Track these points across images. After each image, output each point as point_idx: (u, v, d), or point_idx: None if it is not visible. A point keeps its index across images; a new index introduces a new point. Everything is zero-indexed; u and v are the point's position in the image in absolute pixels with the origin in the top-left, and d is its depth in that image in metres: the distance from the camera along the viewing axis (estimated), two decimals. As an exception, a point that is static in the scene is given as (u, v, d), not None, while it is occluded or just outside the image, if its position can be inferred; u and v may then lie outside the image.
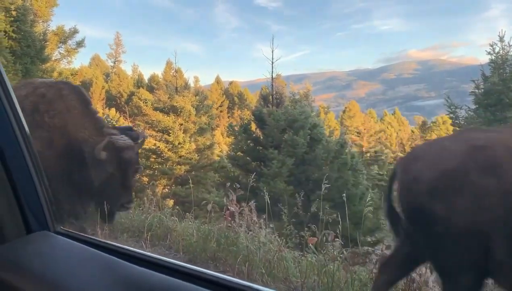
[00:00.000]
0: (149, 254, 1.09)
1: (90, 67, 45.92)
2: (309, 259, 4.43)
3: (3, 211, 1.19)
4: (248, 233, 5.20)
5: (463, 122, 12.65)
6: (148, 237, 4.76)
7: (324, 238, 4.19)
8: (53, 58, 18.29)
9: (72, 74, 21.20)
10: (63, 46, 19.77)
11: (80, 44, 20.13)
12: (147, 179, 18.82)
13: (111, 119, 24.15)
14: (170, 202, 14.37)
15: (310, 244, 4.40)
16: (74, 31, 19.87)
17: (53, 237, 1.25)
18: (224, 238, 5.03)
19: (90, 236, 1.29)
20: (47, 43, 16.46)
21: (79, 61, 58.23)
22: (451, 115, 13.13)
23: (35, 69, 14.15)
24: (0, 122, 1.18)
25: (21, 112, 1.25)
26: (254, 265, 4.13)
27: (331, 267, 3.95)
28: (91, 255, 1.07)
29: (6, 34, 13.23)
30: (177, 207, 11.41)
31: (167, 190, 17.54)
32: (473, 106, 12.64)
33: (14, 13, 13.64)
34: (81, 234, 1.30)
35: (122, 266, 0.99)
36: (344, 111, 45.54)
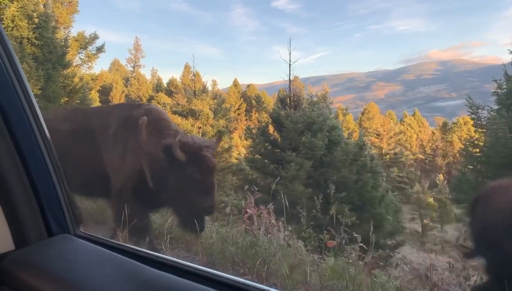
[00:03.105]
0: (168, 257, 1.10)
1: (110, 72, 46.61)
2: (328, 262, 4.40)
3: (26, 215, 1.22)
4: (266, 236, 5.19)
5: (485, 123, 12.38)
6: (168, 240, 4.78)
7: (344, 241, 4.15)
8: (74, 63, 18.60)
9: (92, 79, 21.54)
10: (83, 51, 20.09)
11: (100, 49, 20.43)
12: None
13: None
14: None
15: (329, 247, 4.36)
16: (94, 37, 20.17)
17: (74, 240, 1.27)
18: (243, 240, 5.03)
19: (109, 239, 1.31)
20: (68, 49, 16.76)
21: (99, 66, 59.22)
22: (473, 116, 12.87)
23: (56, 75, 14.44)
24: (23, 129, 1.21)
25: (42, 117, 1.28)
26: (273, 268, 4.11)
27: (351, 270, 3.91)
28: (111, 258, 1.09)
29: (29, 41, 13.55)
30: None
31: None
32: (496, 107, 12.36)
33: (36, 20, 13.96)
34: (101, 237, 1.33)
35: (141, 269, 1.00)
36: (363, 113, 45.13)
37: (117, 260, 1.07)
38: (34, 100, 1.27)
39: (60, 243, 1.25)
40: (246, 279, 1.01)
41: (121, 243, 1.27)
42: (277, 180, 8.58)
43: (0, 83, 1.17)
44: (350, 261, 4.16)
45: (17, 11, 13.36)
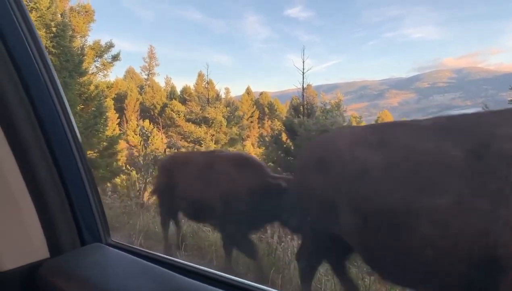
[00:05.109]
0: (200, 266, 1.11)
1: (125, 80, 47.06)
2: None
3: (61, 223, 1.25)
4: (280, 244, 5.18)
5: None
6: (183, 247, 4.81)
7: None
8: (90, 71, 18.91)
9: (107, 87, 21.85)
10: (99, 60, 20.45)
11: (115, 57, 20.76)
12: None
13: (146, 130, 24.64)
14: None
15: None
16: (110, 45, 20.54)
17: (106, 248, 1.30)
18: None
19: (139, 248, 1.34)
20: (85, 57, 17.06)
21: (114, 74, 59.99)
22: (489, 124, 12.68)
23: (73, 83, 14.68)
24: (59, 138, 1.25)
25: (75, 124, 1.32)
26: (287, 277, 4.10)
27: (366, 280, 3.88)
28: (143, 266, 1.11)
29: (46, 50, 13.79)
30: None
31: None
32: (513, 115, 12.16)
33: (54, 29, 14.25)
34: (131, 246, 1.35)
35: (174, 278, 1.01)
36: (376, 121, 44.91)
37: (150, 268, 1.09)
38: (69, 109, 1.31)
39: (94, 251, 1.28)
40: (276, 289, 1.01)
41: (151, 252, 1.29)
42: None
43: (38, 90, 1.20)
44: (365, 269, 4.13)
45: (35, 20, 13.65)
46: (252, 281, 1.04)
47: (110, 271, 1.12)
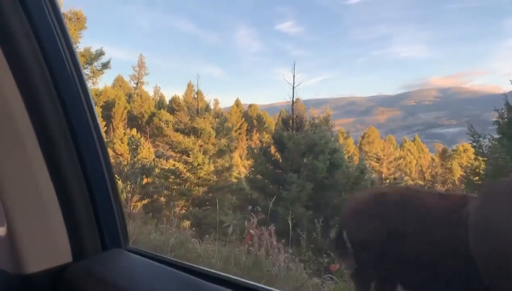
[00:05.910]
0: (222, 273, 1.12)
1: (114, 88, 46.81)
2: (330, 286, 4.39)
3: (85, 228, 1.25)
4: (267, 258, 5.18)
5: (486, 151, 12.42)
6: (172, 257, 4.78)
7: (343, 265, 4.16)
8: (79, 78, 18.83)
9: (96, 95, 21.72)
10: (89, 67, 20.37)
11: (105, 65, 20.73)
12: (165, 199, 18.94)
13: (135, 139, 24.48)
14: (187, 223, 14.35)
15: (333, 270, 4.36)
16: (100, 53, 20.50)
17: (128, 254, 1.29)
18: (245, 261, 5.02)
19: (160, 254, 1.34)
20: (75, 64, 17.00)
21: (103, 82, 59.61)
22: (474, 144, 12.92)
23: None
24: (86, 139, 1.25)
25: (101, 127, 1.32)
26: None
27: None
28: (167, 272, 1.10)
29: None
30: (194, 228, 11.45)
31: (184, 210, 17.54)
32: (497, 136, 12.41)
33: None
34: (150, 252, 1.34)
35: (198, 284, 1.01)
36: (363, 137, 45.41)
37: (174, 274, 1.09)
38: (97, 114, 1.33)
39: (116, 257, 1.28)
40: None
41: (172, 258, 1.29)
42: (278, 201, 8.58)
43: (68, 91, 1.21)
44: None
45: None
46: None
47: (136, 277, 1.12)
